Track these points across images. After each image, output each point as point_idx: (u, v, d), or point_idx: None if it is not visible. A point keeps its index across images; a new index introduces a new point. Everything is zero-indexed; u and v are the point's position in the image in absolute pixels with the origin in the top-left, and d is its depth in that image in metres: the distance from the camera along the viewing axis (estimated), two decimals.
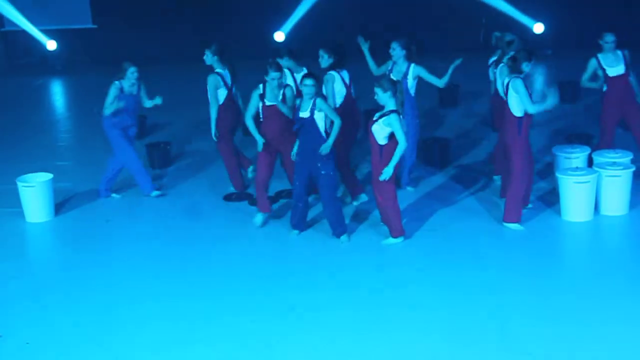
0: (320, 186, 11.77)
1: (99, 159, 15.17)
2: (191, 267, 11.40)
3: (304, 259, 11.47)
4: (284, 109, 11.85)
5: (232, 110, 13.69)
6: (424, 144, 14.63)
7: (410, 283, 10.61)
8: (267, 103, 12.04)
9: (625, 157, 12.75)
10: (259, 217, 12.37)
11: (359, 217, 12.55)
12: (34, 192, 13.00)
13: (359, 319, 9.76)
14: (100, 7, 22.60)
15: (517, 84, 11.45)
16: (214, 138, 13.43)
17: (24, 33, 21.90)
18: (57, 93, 21.26)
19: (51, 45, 21.68)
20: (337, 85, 12.85)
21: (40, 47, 21.70)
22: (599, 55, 13.88)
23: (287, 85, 12.35)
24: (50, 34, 21.81)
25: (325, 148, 11.33)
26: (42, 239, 12.89)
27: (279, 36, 21.97)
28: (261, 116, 12.18)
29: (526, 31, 20.95)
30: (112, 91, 13.28)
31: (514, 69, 11.74)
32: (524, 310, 9.80)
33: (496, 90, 13.48)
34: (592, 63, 13.97)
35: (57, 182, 13.49)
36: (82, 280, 11.11)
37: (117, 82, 13.35)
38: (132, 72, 13.45)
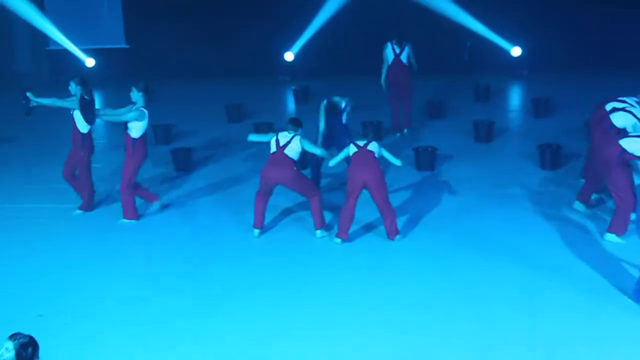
0: None
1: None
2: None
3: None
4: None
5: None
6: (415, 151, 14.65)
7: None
8: None
9: None
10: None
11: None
12: None
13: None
14: (132, 30, 22.71)
15: None
16: None
17: (66, 52, 21.94)
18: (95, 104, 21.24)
19: (90, 62, 21.78)
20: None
21: (80, 64, 21.72)
22: None
23: None
24: (89, 52, 21.93)
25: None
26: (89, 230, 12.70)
27: (289, 56, 21.74)
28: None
29: (505, 54, 20.98)
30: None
31: None
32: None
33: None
34: None
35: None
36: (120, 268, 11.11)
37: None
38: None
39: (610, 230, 11.41)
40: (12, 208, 13.62)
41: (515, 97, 19.83)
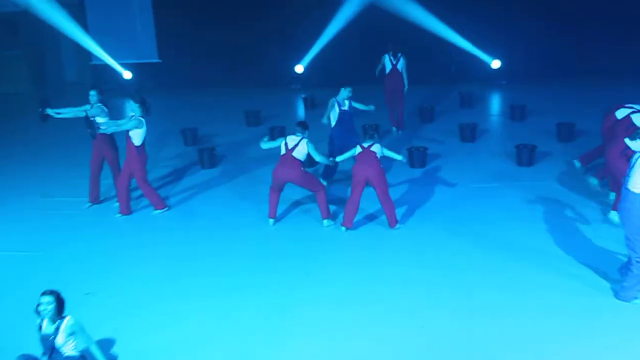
0: None
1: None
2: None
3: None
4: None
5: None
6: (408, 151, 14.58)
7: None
8: None
9: None
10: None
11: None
12: None
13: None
14: (163, 46, 22.67)
15: None
16: None
17: (106, 66, 21.85)
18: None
19: (127, 75, 21.67)
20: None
21: (119, 76, 21.64)
22: None
23: None
24: (126, 66, 21.83)
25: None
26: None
27: (299, 68, 21.64)
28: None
29: (486, 66, 20.88)
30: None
31: None
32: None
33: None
34: None
35: None
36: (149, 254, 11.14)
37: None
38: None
39: (614, 209, 11.14)
40: (63, 201, 13.60)
41: (495, 103, 19.79)
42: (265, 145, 12.10)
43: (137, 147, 12.18)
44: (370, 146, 11.31)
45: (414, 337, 8.60)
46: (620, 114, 12.13)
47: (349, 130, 13.53)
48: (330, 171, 13.33)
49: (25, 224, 12.56)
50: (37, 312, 7.67)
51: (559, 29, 19.99)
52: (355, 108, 13.70)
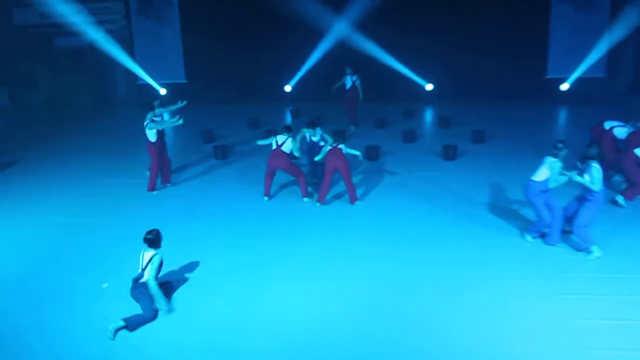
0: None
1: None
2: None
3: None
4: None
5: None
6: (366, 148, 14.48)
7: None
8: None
9: None
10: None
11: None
12: None
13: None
14: (189, 70, 22.37)
15: None
16: None
17: (148, 85, 21.74)
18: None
19: (163, 91, 21.46)
20: None
21: (157, 92, 21.45)
22: None
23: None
24: (162, 85, 21.68)
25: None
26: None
27: (288, 88, 21.29)
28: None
29: (422, 88, 20.81)
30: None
31: None
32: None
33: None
34: None
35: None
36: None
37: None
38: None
39: (622, 194, 11.24)
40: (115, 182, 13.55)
41: (429, 116, 19.72)
42: (261, 142, 12.23)
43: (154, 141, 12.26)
44: (337, 145, 11.39)
45: (363, 279, 8.73)
46: (607, 125, 12.25)
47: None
48: (317, 170, 12.92)
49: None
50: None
51: (476, 60, 19.80)
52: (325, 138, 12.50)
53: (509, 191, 12.03)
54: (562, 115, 19.01)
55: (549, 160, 9.29)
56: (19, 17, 22.15)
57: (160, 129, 12.39)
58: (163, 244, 8.33)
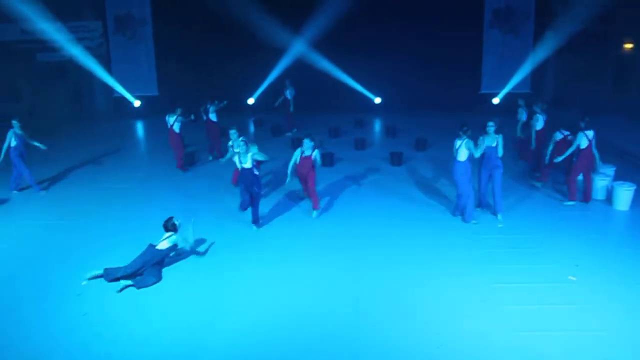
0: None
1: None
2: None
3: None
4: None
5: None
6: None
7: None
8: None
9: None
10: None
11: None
12: None
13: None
14: (161, 84, 22.02)
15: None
16: None
17: (122, 97, 21.27)
18: (139, 129, 20.95)
19: (137, 103, 21.04)
20: None
21: (131, 105, 21.02)
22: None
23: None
24: (136, 97, 21.21)
25: None
26: None
27: (251, 100, 20.88)
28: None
29: (371, 101, 20.87)
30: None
31: None
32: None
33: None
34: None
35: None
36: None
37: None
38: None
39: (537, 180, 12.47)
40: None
41: (377, 125, 19.84)
42: (224, 160, 11.19)
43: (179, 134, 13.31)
44: (304, 152, 10.80)
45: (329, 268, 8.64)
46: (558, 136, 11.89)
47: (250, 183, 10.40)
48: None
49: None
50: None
51: (419, 77, 20.02)
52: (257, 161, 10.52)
53: (448, 191, 12.15)
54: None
55: (463, 141, 10.02)
56: (1, 33, 21.44)
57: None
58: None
